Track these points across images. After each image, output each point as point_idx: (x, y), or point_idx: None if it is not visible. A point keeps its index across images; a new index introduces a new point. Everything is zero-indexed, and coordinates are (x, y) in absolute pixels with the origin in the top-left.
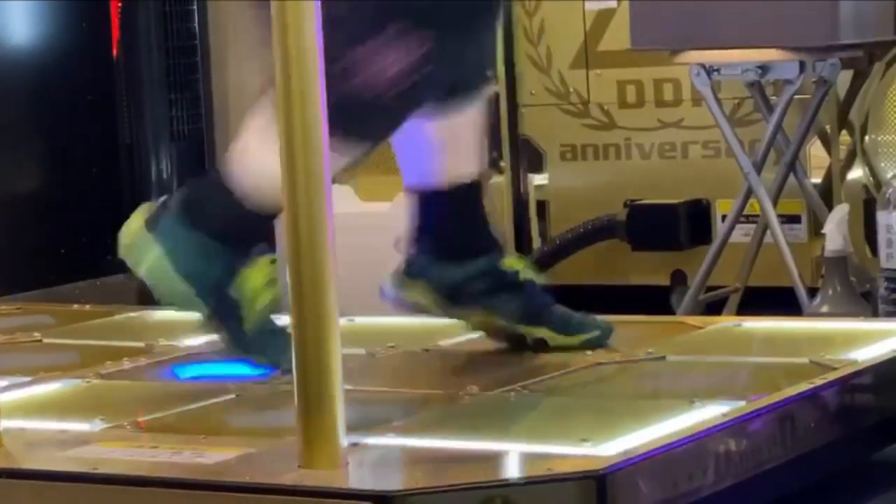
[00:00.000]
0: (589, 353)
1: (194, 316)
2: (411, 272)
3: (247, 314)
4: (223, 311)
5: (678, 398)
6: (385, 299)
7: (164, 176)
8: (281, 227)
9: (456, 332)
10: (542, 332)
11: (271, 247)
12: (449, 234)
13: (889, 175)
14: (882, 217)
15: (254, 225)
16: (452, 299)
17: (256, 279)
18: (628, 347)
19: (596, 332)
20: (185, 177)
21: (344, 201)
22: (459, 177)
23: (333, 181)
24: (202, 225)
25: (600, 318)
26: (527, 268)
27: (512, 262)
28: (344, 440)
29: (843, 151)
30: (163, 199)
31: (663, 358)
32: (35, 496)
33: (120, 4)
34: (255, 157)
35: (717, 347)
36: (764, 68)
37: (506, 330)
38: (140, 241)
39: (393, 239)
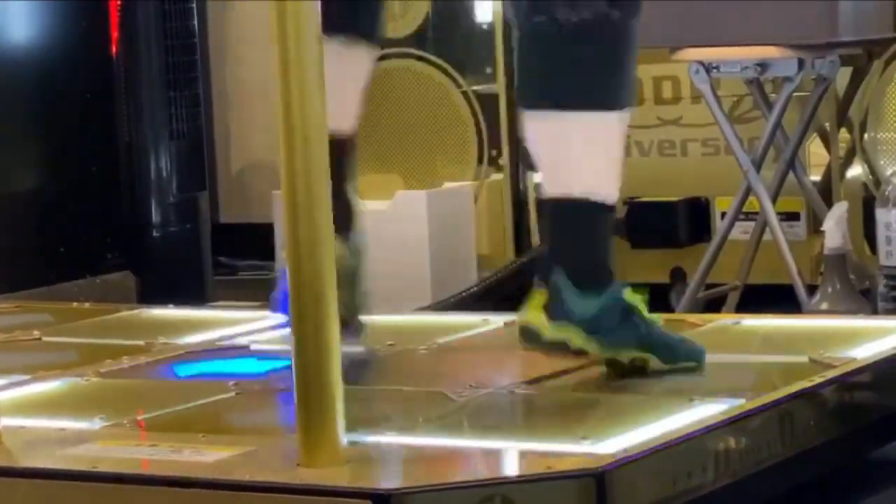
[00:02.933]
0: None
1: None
2: (554, 313)
3: None
4: None
5: (677, 396)
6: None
7: (164, 174)
8: (281, 227)
9: (454, 331)
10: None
11: None
12: (577, 257)
13: (888, 172)
14: (881, 214)
15: None
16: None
17: None
18: None
19: (692, 363)
20: (185, 175)
21: None
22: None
23: None
24: None
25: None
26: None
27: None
28: (343, 439)
29: (842, 149)
30: None
31: None
32: (34, 494)
33: (119, 3)
34: None
35: (716, 345)
36: (763, 65)
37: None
38: None
39: (392, 239)
